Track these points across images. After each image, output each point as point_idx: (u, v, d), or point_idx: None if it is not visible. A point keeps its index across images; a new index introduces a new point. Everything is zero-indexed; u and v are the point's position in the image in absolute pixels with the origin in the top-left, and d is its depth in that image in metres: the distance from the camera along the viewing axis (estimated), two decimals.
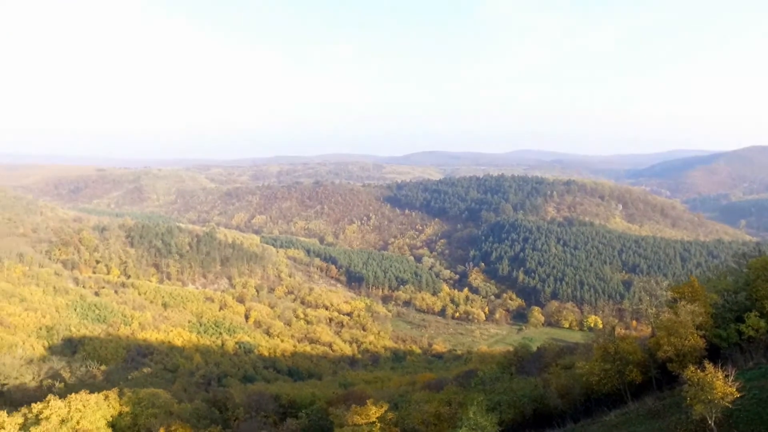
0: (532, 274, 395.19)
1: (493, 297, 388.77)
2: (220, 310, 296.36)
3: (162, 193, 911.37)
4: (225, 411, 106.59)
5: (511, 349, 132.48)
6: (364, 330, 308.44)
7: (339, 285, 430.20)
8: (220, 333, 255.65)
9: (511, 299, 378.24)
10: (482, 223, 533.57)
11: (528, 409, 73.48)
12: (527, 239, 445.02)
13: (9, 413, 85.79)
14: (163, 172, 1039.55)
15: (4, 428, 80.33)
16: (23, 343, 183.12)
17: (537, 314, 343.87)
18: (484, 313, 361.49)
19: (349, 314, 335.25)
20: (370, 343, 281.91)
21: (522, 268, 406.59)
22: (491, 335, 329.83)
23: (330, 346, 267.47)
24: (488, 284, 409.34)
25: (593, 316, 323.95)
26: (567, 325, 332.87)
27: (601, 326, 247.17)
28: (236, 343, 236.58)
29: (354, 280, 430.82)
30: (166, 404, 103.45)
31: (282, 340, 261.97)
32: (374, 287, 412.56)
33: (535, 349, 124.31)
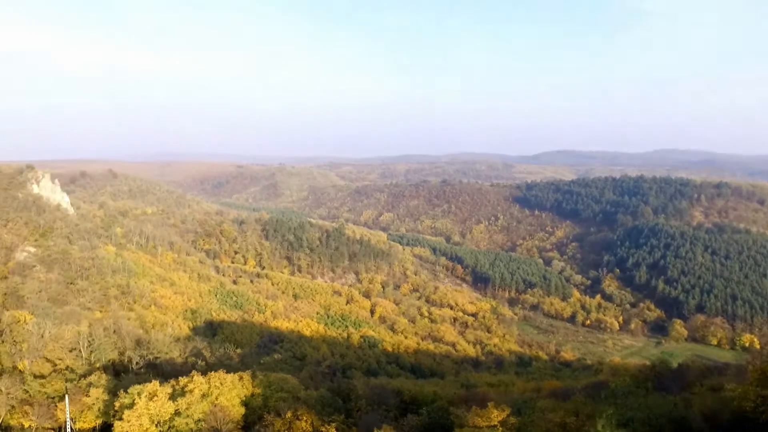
0: (674, 283, 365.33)
1: (628, 306, 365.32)
2: (346, 304, 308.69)
3: (295, 189, 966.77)
4: (348, 401, 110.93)
5: (647, 363, 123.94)
6: (488, 332, 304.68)
7: (464, 285, 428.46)
8: (346, 326, 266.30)
9: (648, 309, 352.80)
10: (618, 226, 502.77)
11: (666, 430, 68.35)
12: (669, 246, 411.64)
13: (160, 383, 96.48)
14: (296, 170, 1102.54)
15: (156, 395, 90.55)
16: (172, 323, 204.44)
17: (679, 328, 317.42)
18: (618, 322, 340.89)
19: (473, 315, 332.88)
20: (494, 346, 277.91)
21: (662, 277, 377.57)
22: (625, 346, 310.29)
23: (453, 345, 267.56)
24: (623, 292, 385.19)
25: (748, 335, 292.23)
26: (715, 343, 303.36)
27: (758, 346, 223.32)
28: (361, 336, 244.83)
29: (480, 281, 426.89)
30: (294, 389, 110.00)
31: (406, 337, 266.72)
32: (500, 289, 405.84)
33: (675, 365, 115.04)
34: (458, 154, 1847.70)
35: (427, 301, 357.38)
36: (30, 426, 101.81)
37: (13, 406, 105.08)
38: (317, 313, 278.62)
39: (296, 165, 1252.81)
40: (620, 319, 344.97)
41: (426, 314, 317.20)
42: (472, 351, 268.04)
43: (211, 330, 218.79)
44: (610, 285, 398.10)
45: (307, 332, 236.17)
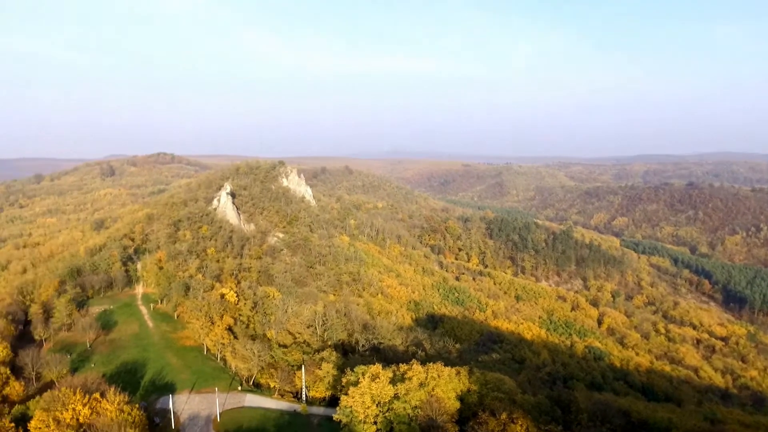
0: None
1: None
2: (571, 311, 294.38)
3: (521, 189, 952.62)
4: (567, 413, 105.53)
5: None
6: (743, 361, 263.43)
7: (712, 303, 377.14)
8: (570, 334, 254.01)
9: None
10: None
11: None
12: None
13: (383, 367, 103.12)
14: (522, 169, 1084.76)
15: (379, 377, 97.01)
16: (396, 312, 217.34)
17: None
18: None
19: (723, 339, 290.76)
20: (751, 379, 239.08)
21: None
22: None
23: (695, 371, 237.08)
24: None
25: None
26: None
27: None
28: (586, 347, 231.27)
29: (732, 301, 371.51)
30: (511, 392, 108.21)
31: (637, 353, 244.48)
32: (761, 313, 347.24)
33: None
34: (709, 153, 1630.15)
35: (664, 316, 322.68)
36: (274, 386, 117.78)
37: (262, 368, 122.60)
38: (539, 317, 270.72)
39: (523, 164, 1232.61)
40: None
41: (662, 331, 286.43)
42: (719, 380, 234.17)
43: (432, 323, 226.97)
44: None
45: (527, 335, 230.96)
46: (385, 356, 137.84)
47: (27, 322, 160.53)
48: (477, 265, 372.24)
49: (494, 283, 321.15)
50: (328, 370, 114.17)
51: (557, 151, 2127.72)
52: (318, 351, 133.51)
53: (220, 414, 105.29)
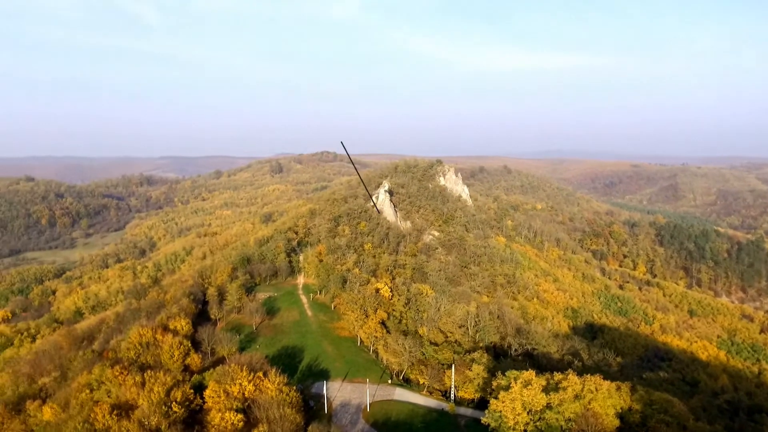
0: None
1: None
2: (760, 333, 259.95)
3: (699, 192, 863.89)
4: None
5: None
6: None
7: None
8: (758, 359, 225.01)
9: None
10: None
11: None
12: None
13: (536, 374, 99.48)
14: (702, 171, 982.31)
15: (531, 384, 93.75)
16: (552, 318, 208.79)
17: None
18: None
19: None
20: None
21: None
22: None
23: None
24: None
25: None
26: None
27: None
28: None
29: None
30: (681, 416, 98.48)
31: None
32: None
33: None
34: None
35: None
36: (423, 383, 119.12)
37: (412, 363, 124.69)
38: (717, 337, 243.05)
39: (703, 165, 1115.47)
40: None
41: None
42: None
43: (591, 332, 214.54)
44: None
45: (702, 355, 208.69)
46: (539, 363, 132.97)
47: (205, 302, 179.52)
48: (644, 274, 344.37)
49: (664, 295, 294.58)
50: (478, 371, 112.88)
51: (744, 150, 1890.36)
52: (469, 352, 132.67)
53: (370, 404, 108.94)
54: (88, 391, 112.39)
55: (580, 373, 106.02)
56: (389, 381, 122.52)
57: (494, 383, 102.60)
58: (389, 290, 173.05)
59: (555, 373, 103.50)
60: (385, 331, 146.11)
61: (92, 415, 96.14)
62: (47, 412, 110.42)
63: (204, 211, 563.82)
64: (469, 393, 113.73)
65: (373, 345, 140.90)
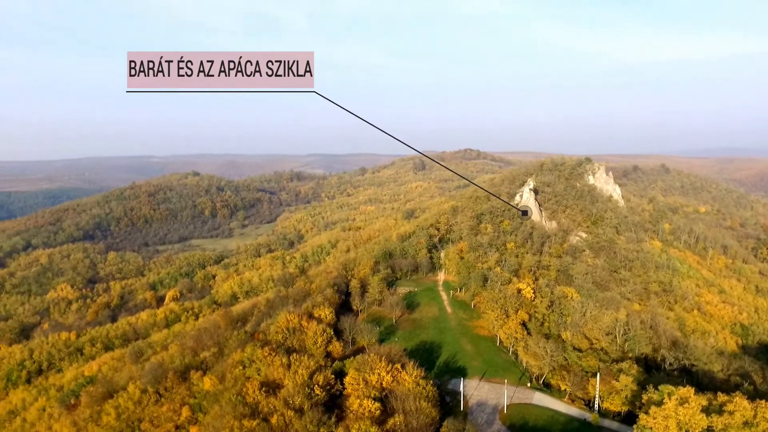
0: None
1: None
2: None
3: None
4: None
5: None
6: None
7: None
8: None
9: None
10: None
11: None
12: None
13: (695, 392, 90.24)
14: None
15: (688, 403, 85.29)
16: (716, 334, 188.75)
17: None
18: None
19: None
20: None
21: None
22: None
23: None
24: None
25: None
26: None
27: None
28: None
29: None
30: None
31: None
32: None
33: None
34: None
35: None
36: (565, 389, 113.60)
37: (554, 368, 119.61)
38: None
39: None
40: None
41: None
42: None
43: (766, 353, 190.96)
44: None
45: None
46: (698, 381, 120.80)
47: (347, 294, 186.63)
48: None
49: None
50: (626, 383, 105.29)
51: None
52: (616, 361, 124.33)
53: (507, 406, 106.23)
54: (241, 367, 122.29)
55: (752, 397, 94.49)
56: (528, 384, 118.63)
57: (645, 397, 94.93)
58: (532, 291, 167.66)
59: (719, 393, 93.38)
60: (525, 332, 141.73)
61: (244, 390, 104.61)
62: (207, 383, 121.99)
63: (349, 207, 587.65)
64: (616, 405, 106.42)
65: (512, 346, 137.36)
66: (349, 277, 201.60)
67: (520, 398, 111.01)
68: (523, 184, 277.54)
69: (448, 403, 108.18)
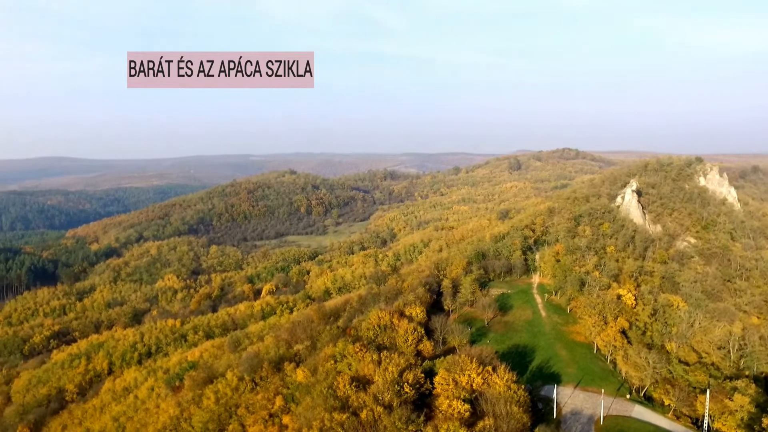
0: None
1: None
2: None
3: None
4: None
5: None
6: None
7: None
8: None
9: None
10: None
11: None
12: None
13: None
14: None
15: None
16: None
17: None
18: None
19: None
20: None
21: None
22: None
23: None
24: None
25: None
26: None
27: None
28: None
29: None
30: None
31: None
32: None
33: None
34: None
35: None
36: (668, 404, 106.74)
37: (656, 381, 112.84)
38: None
39: None
40: None
41: None
42: None
43: None
44: None
45: None
46: None
47: (439, 293, 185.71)
48: None
49: None
50: (742, 403, 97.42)
51: None
52: (730, 378, 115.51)
53: (604, 417, 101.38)
54: (332, 361, 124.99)
55: None
56: (627, 396, 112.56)
57: (765, 421, 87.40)
58: (633, 298, 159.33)
59: None
60: (625, 341, 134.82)
61: (335, 383, 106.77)
62: (300, 374, 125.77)
63: (442, 206, 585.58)
64: (729, 427, 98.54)
65: (610, 354, 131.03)
66: (440, 277, 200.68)
67: (617, 410, 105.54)
68: (624, 186, 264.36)
69: (540, 410, 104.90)
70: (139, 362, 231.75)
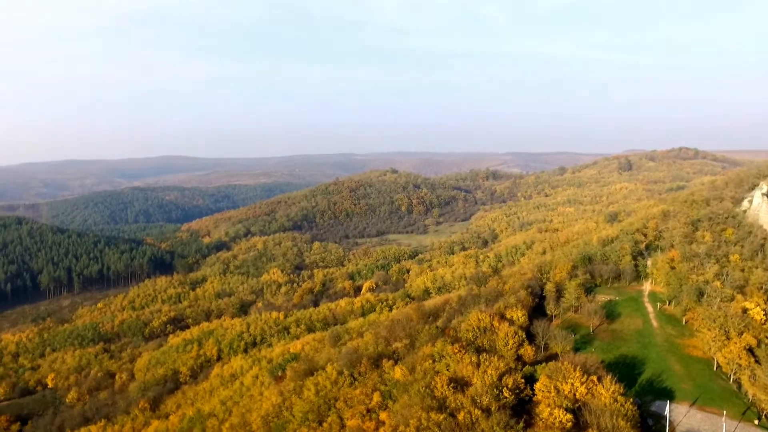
0: None
1: None
2: None
3: None
4: None
5: None
6: None
7: None
8: None
9: None
10: None
11: None
12: None
13: None
14: None
15: None
16: None
17: None
18: None
19: None
20: None
21: None
22: None
23: None
24: None
25: None
26: None
27: None
28: None
29: None
30: None
31: None
32: None
33: None
34: None
35: None
36: None
37: None
38: None
39: None
40: None
41: None
42: None
43: None
44: None
45: None
46: None
47: (542, 297, 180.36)
48: None
49: None
50: None
51: None
52: None
53: None
54: (430, 361, 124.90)
55: None
56: (756, 421, 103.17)
57: None
58: (762, 313, 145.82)
59: None
60: (753, 359, 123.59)
61: (433, 383, 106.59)
62: (398, 372, 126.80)
63: (546, 207, 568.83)
64: None
65: (734, 373, 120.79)
66: (544, 280, 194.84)
67: None
68: (753, 188, 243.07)
69: (650, 426, 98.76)
70: (245, 351, 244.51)
